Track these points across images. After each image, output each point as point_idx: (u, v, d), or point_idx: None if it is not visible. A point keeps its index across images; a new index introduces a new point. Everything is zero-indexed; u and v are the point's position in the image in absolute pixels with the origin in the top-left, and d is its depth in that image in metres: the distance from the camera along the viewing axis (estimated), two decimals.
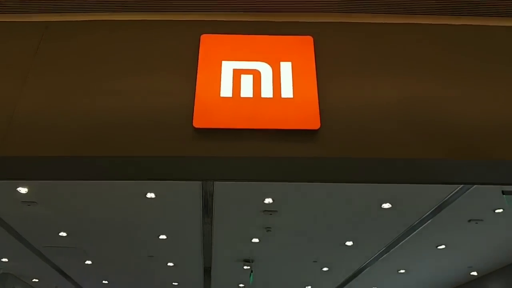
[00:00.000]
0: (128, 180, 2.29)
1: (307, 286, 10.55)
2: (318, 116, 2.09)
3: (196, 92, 2.16)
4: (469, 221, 6.40)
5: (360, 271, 9.22)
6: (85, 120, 2.09)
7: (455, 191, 5.44)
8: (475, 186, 5.21)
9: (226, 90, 2.20)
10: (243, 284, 10.47)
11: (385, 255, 8.09)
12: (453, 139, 2.02)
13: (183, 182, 5.52)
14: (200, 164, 2.05)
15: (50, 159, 2.05)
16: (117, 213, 6.46)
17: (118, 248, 8.03)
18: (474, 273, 9.30)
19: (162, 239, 7.51)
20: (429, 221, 6.41)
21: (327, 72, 2.27)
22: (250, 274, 8.82)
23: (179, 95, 2.18)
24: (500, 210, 5.96)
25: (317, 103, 2.13)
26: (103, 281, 10.26)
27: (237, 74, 2.27)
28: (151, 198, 5.94)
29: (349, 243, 7.53)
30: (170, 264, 8.95)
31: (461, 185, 5.20)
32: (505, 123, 2.05)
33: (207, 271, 9.49)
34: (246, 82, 2.24)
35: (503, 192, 4.55)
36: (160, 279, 10.10)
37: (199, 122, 2.08)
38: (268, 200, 6.05)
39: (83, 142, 2.03)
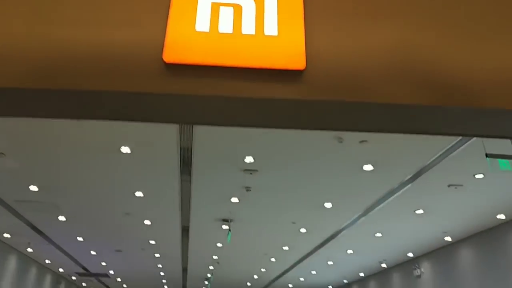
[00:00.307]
0: (93, 119, 2.06)
1: (284, 246, 10.66)
2: (304, 56, 1.91)
3: (168, 25, 1.93)
4: (449, 186, 6.40)
5: (337, 233, 9.31)
6: (44, 50, 1.85)
7: (439, 154, 5.37)
8: (458, 150, 5.15)
9: (202, 24, 1.98)
10: (221, 243, 10.51)
11: (363, 218, 8.14)
12: (448, 85, 1.85)
13: (159, 134, 5.30)
14: (171, 103, 1.83)
15: (3, 90, 1.80)
16: (91, 167, 6.22)
17: (92, 205, 7.84)
18: (448, 239, 9.49)
19: (139, 196, 7.35)
20: (409, 185, 6.39)
21: (316, 11, 2.05)
22: (228, 234, 8.80)
23: (149, 27, 1.94)
24: (481, 176, 5.95)
25: (304, 42, 1.94)
26: (78, 238, 10.13)
27: (215, 7, 2.03)
28: (126, 153, 5.72)
29: (328, 205, 7.50)
30: (147, 222, 8.85)
31: (449, 146, 5.13)
32: (504, 70, 1.87)
33: (185, 230, 9.45)
34: (226, 16, 2.01)
35: (487, 155, 4.47)
36: (136, 237, 10.03)
37: (170, 56, 1.85)
38: (249, 159, 5.88)
39: (42, 73, 1.80)
